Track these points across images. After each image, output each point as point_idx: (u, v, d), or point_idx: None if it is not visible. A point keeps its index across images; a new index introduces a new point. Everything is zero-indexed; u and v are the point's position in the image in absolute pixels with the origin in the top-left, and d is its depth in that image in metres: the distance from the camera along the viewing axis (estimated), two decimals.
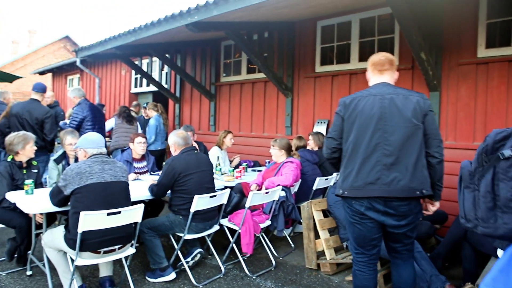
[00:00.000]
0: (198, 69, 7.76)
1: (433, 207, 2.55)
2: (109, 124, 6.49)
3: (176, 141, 3.71)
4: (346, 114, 2.47)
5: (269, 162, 5.25)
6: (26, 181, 3.40)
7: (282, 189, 4.00)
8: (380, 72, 2.52)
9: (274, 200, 3.92)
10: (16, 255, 3.65)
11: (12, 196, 3.34)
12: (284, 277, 3.74)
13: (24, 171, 3.76)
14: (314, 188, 4.46)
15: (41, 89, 5.37)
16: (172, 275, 3.52)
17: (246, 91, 6.90)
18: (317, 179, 4.46)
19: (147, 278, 3.56)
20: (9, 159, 3.72)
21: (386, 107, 2.37)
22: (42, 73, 14.36)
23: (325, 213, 4.09)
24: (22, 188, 3.54)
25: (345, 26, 5.59)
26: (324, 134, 5.39)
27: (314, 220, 3.91)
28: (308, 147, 5.08)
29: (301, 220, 4.05)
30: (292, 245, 4.46)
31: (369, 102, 2.41)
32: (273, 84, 6.11)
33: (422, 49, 4.09)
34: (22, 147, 3.70)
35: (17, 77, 8.64)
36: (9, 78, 8.59)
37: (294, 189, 4.41)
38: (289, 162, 4.29)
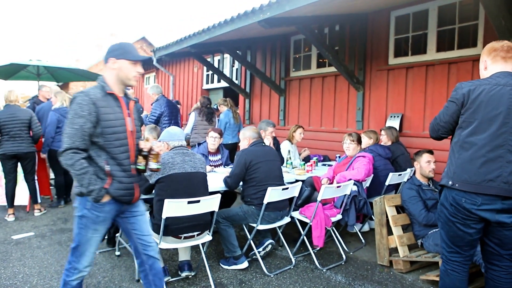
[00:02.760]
0: (268, 64, 7.88)
1: None
2: (190, 120, 6.73)
3: (251, 134, 3.94)
4: (467, 102, 2.26)
5: (339, 157, 5.21)
6: None
7: (354, 184, 3.95)
8: (504, 59, 2.27)
9: (345, 194, 3.90)
10: (106, 237, 4.04)
11: None
12: (354, 272, 3.71)
13: None
14: (386, 183, 4.35)
15: None
16: (245, 264, 3.67)
17: (316, 85, 6.87)
18: (390, 174, 4.33)
19: (221, 265, 3.75)
20: None
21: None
22: None
23: (398, 209, 3.97)
24: None
25: (421, 15, 5.33)
26: (397, 128, 5.21)
27: (387, 216, 3.82)
28: (381, 143, 4.95)
29: (373, 216, 3.99)
30: (363, 241, 4.39)
31: (496, 92, 2.19)
32: (344, 77, 6.02)
33: None
34: None
35: None
36: (96, 77, 9.45)
37: (366, 184, 4.34)
38: (361, 156, 4.22)
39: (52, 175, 6.39)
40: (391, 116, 5.55)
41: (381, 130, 5.12)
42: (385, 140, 4.98)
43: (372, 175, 4.36)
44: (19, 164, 5.28)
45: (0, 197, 5.56)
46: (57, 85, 8.21)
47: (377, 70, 5.82)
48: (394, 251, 3.80)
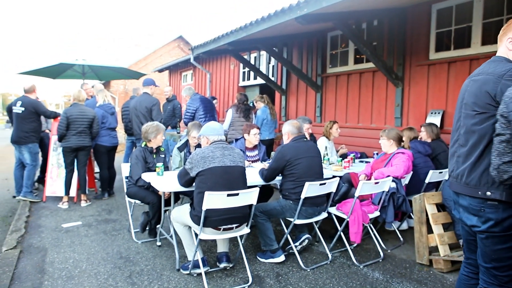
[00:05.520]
0: (305, 61, 7.86)
1: None
2: (228, 117, 6.86)
3: (290, 129, 3.93)
4: None
5: (377, 154, 5.14)
6: (158, 164, 3.91)
7: (393, 181, 3.90)
8: (498, 45, 2.11)
9: (383, 191, 3.86)
10: (147, 228, 4.22)
11: (147, 177, 3.87)
12: (392, 269, 3.67)
13: (154, 156, 4.31)
14: (426, 181, 4.25)
15: (147, 83, 6.52)
16: (282, 258, 3.72)
17: (353, 81, 6.79)
18: (430, 171, 4.23)
19: (258, 258, 3.82)
20: (142, 145, 4.30)
21: (465, 92, 2.11)
22: (160, 70, 15.87)
23: (438, 208, 3.88)
24: (153, 170, 4.08)
25: (465, 7, 5.14)
26: (438, 125, 5.07)
27: (426, 214, 3.75)
28: (420, 139, 4.84)
29: (412, 214, 3.92)
30: (401, 239, 4.33)
31: (463, 86, 2.18)
32: (382, 73, 5.92)
33: None
34: (154, 136, 4.25)
35: (142, 74, 9.82)
36: (136, 75, 9.83)
37: (405, 181, 4.26)
38: (400, 153, 4.15)
39: (96, 169, 6.73)
40: (432, 113, 5.41)
41: (421, 127, 5.00)
42: (424, 136, 4.86)
43: (412, 172, 4.28)
44: None
45: (50, 188, 5.93)
46: (101, 83, 8.57)
47: (417, 65, 5.68)
48: (434, 250, 3.72)
